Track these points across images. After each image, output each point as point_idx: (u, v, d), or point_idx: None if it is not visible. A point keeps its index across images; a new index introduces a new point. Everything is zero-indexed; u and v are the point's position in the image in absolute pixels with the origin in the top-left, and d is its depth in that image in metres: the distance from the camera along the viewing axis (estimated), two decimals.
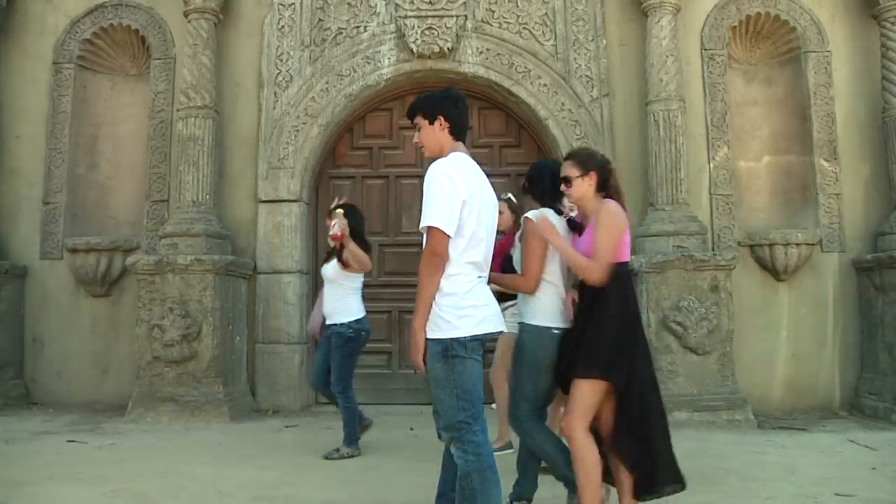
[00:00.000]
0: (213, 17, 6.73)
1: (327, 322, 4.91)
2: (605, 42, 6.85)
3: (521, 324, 3.28)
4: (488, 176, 2.98)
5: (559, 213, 3.32)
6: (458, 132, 2.87)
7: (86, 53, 7.17)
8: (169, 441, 5.27)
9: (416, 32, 6.74)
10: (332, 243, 4.90)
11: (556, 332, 3.16)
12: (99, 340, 6.88)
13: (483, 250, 2.77)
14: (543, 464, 3.55)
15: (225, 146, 6.90)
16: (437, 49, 6.72)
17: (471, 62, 6.83)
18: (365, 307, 4.97)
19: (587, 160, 3.18)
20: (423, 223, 2.65)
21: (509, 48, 6.83)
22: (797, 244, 6.53)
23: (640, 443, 2.95)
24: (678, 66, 6.52)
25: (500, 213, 3.58)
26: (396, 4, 6.85)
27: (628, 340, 2.98)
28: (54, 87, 7.08)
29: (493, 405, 6.67)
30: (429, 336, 2.67)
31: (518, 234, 3.53)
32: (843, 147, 6.76)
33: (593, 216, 3.10)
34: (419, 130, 2.89)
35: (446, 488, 2.96)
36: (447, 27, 6.76)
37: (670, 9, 6.53)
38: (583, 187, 3.13)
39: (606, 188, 3.15)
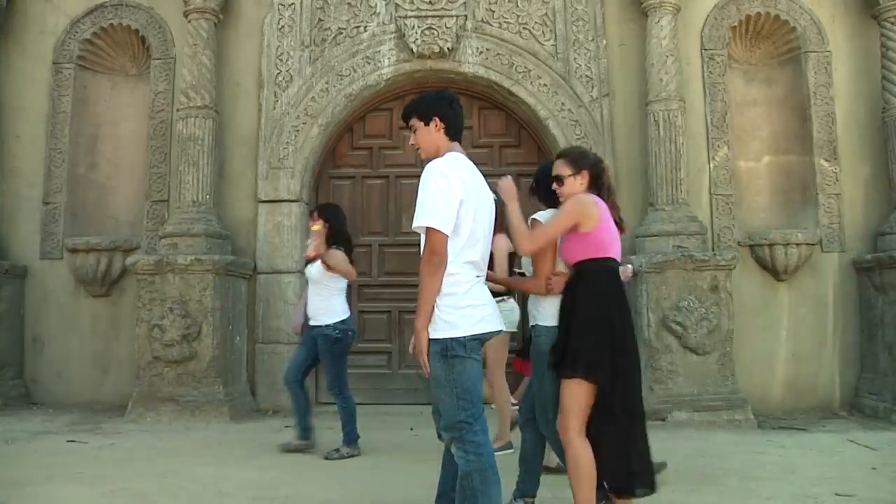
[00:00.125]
0: (213, 17, 6.73)
1: (311, 323, 4.89)
2: (605, 42, 6.85)
3: (535, 326, 3.27)
4: (489, 176, 2.99)
5: None
6: (454, 132, 2.87)
7: (86, 53, 7.17)
8: (169, 441, 5.27)
9: (416, 32, 6.74)
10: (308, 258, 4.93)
11: None
12: (99, 340, 6.88)
13: (480, 250, 2.77)
14: (546, 463, 3.56)
15: (225, 146, 6.90)
16: (437, 49, 6.72)
17: (471, 62, 6.83)
18: (350, 307, 4.96)
19: (579, 159, 3.19)
20: (420, 223, 2.65)
21: (509, 48, 6.83)
22: (797, 244, 6.53)
23: (618, 443, 2.94)
24: (678, 66, 6.52)
25: None
26: (396, 4, 6.85)
27: (604, 340, 2.94)
28: (54, 87, 7.08)
29: (493, 405, 6.69)
30: (429, 336, 2.67)
31: None
32: (843, 147, 6.76)
33: None
34: (415, 132, 2.89)
35: (446, 488, 2.96)
36: (447, 27, 6.76)
37: (670, 9, 6.53)
38: (574, 185, 3.14)
39: (598, 186, 3.15)
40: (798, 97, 6.89)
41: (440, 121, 2.83)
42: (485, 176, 2.94)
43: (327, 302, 4.82)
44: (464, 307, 2.67)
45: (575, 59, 6.82)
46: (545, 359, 3.13)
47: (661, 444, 5.05)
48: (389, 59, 6.87)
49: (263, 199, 6.81)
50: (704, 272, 6.05)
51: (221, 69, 6.89)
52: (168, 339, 6.08)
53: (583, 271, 3.04)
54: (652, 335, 5.94)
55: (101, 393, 6.78)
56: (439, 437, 2.81)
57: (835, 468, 4.46)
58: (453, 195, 2.65)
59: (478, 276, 2.78)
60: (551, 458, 3.88)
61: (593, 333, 2.94)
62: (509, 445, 4.83)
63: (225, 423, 5.89)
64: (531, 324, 3.32)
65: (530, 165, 7.14)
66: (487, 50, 6.84)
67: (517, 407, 6.59)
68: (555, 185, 3.19)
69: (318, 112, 6.86)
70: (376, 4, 6.93)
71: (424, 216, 2.64)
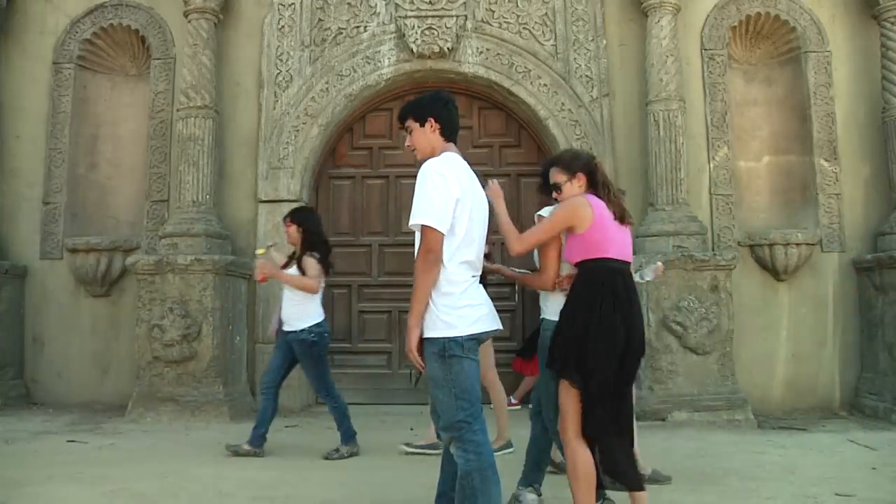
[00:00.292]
0: (213, 17, 6.73)
1: (285, 328, 4.85)
2: (605, 42, 6.85)
3: (543, 320, 3.33)
4: (489, 176, 3.00)
5: None
6: (450, 133, 2.89)
7: (86, 53, 7.17)
8: (169, 441, 5.27)
9: (416, 32, 6.74)
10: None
11: None
12: (99, 340, 6.88)
13: (476, 249, 2.79)
14: (552, 456, 3.58)
15: (225, 146, 6.90)
16: (437, 49, 6.72)
17: (471, 62, 6.83)
18: (323, 311, 4.92)
19: (571, 163, 3.20)
20: (416, 221, 2.67)
21: (509, 48, 6.83)
22: (797, 244, 6.53)
23: (600, 444, 2.95)
24: (678, 66, 6.52)
25: None
26: (396, 4, 6.85)
27: (571, 339, 2.95)
28: (54, 87, 7.08)
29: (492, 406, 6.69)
30: (426, 335, 2.69)
31: None
32: (843, 147, 6.76)
33: None
34: (410, 133, 2.91)
35: (446, 488, 2.96)
36: (447, 27, 6.76)
37: (670, 9, 6.53)
38: (573, 190, 3.15)
39: (594, 184, 3.16)
40: (798, 97, 6.89)
41: (436, 122, 2.85)
42: (485, 176, 2.95)
43: (301, 306, 4.78)
44: (461, 307, 2.69)
45: (575, 59, 6.82)
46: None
47: (660, 443, 5.07)
48: (389, 59, 6.87)
49: (263, 199, 6.81)
50: (704, 272, 6.05)
51: (221, 69, 6.89)
52: (168, 339, 6.08)
53: (579, 271, 3.07)
54: (652, 335, 5.94)
55: (101, 393, 6.78)
56: (438, 437, 2.82)
57: (835, 468, 4.46)
58: (449, 194, 2.67)
59: (473, 276, 2.79)
60: (558, 453, 3.90)
61: (566, 332, 2.98)
62: (509, 444, 4.83)
63: (225, 423, 5.88)
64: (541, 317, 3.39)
65: (530, 165, 7.16)
66: (487, 50, 6.84)
67: (518, 407, 6.65)
68: (555, 194, 3.22)
69: (318, 112, 6.86)
70: (376, 4, 6.93)
71: (421, 214, 2.66)
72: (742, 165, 6.94)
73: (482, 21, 6.87)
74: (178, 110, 6.75)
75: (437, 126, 2.85)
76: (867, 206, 6.72)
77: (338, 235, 7.22)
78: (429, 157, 2.83)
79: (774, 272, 6.63)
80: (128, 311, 6.75)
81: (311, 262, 4.77)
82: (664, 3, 6.50)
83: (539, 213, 3.39)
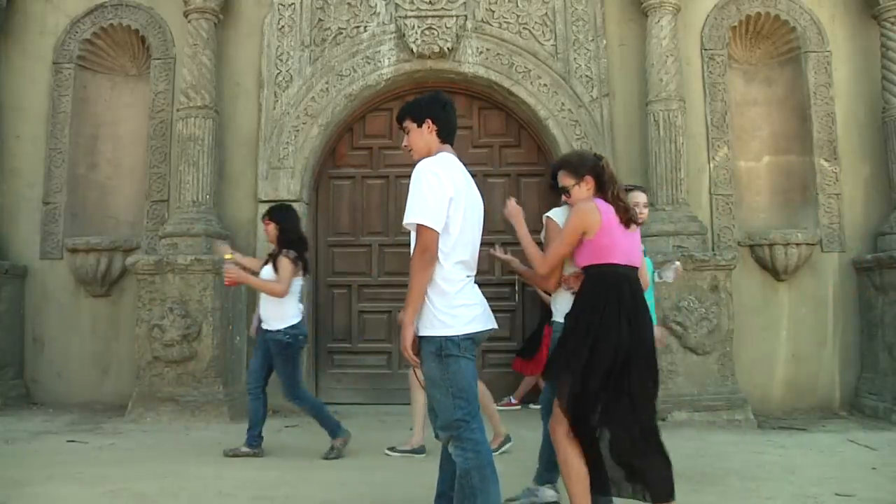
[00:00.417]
0: (213, 17, 6.73)
1: (263, 327, 4.85)
2: (605, 42, 6.85)
3: (553, 322, 3.34)
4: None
5: None
6: (446, 135, 2.92)
7: (86, 53, 7.17)
8: (169, 441, 5.27)
9: (416, 32, 6.74)
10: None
11: None
12: (99, 340, 6.88)
13: (471, 250, 2.82)
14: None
15: (225, 146, 6.90)
16: (437, 49, 6.72)
17: (471, 62, 6.83)
18: (301, 313, 4.90)
19: (579, 166, 3.19)
20: (411, 219, 2.69)
21: (509, 48, 6.83)
22: (797, 244, 6.53)
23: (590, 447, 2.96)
24: (678, 66, 6.52)
25: None
26: (396, 4, 6.85)
27: (570, 345, 2.98)
28: (54, 87, 7.08)
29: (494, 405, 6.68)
30: (422, 334, 2.71)
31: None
32: (843, 147, 6.75)
33: None
34: (408, 133, 2.94)
35: (445, 487, 2.97)
36: (447, 27, 6.75)
37: (670, 9, 6.53)
38: (581, 193, 3.15)
39: (602, 185, 3.15)
40: (798, 97, 6.89)
41: (433, 123, 2.89)
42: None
43: (278, 307, 4.76)
44: (457, 306, 2.71)
45: (575, 59, 6.82)
46: None
47: None
48: (389, 59, 6.87)
49: (263, 199, 6.80)
50: (704, 272, 6.05)
51: (221, 69, 6.89)
52: (168, 339, 6.08)
53: (585, 276, 3.07)
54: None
55: (101, 393, 6.78)
56: (436, 436, 2.82)
57: (835, 468, 4.46)
58: (443, 193, 2.69)
59: (469, 276, 2.81)
60: None
61: (568, 338, 3.01)
62: (508, 439, 4.82)
63: (225, 423, 5.89)
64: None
65: (530, 165, 7.16)
66: (487, 50, 6.84)
67: (517, 407, 6.64)
68: (563, 197, 3.23)
69: (318, 112, 6.86)
70: (376, 4, 6.93)
71: (416, 213, 2.68)
72: (742, 165, 6.94)
73: (482, 21, 6.87)
74: (178, 110, 6.75)
75: (435, 127, 2.89)
76: (867, 206, 6.72)
77: (338, 235, 7.24)
78: (424, 157, 2.85)
79: (774, 272, 6.63)
80: (128, 311, 6.75)
81: (284, 263, 4.72)
82: (664, 3, 6.50)
83: (547, 214, 3.39)
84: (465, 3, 6.84)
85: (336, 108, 6.88)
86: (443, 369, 2.68)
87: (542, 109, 6.77)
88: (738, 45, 7.03)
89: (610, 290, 2.98)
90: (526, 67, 6.81)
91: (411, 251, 2.73)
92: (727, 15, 6.87)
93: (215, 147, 6.68)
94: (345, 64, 6.89)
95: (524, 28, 6.88)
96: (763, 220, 6.86)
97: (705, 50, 6.86)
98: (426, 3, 6.81)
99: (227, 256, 4.84)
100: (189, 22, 6.69)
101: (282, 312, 4.77)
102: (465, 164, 2.95)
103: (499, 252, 3.58)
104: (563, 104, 6.76)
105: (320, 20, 6.97)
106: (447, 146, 2.91)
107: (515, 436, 4.87)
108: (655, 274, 4.25)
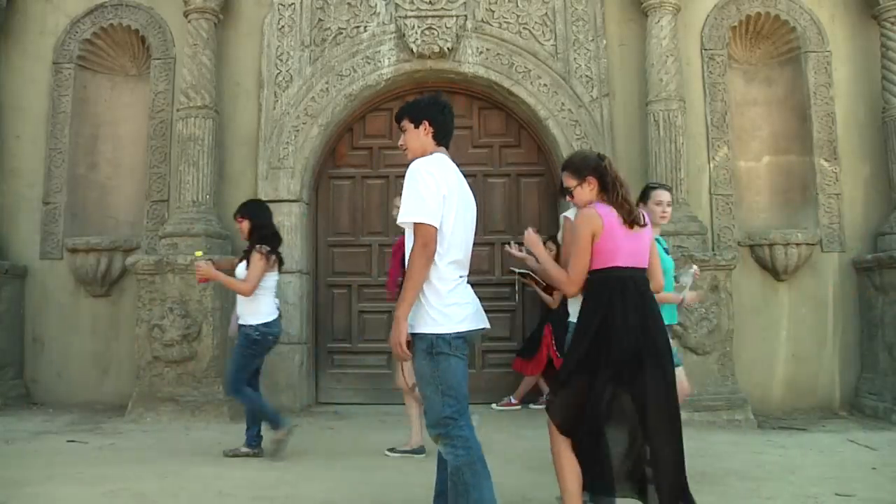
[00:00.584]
0: (213, 17, 6.73)
1: (238, 322, 4.85)
2: (605, 42, 6.85)
3: (569, 322, 3.34)
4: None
5: None
6: (442, 137, 2.95)
7: (86, 53, 7.17)
8: (169, 441, 5.27)
9: (416, 32, 6.74)
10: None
11: None
12: (99, 340, 6.88)
13: (464, 249, 2.85)
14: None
15: (225, 146, 6.90)
16: (437, 49, 6.72)
17: (471, 62, 6.83)
18: (277, 309, 4.87)
19: (582, 167, 3.16)
20: (408, 218, 2.72)
21: (509, 48, 6.83)
22: (797, 244, 6.53)
23: (588, 449, 2.96)
24: (678, 66, 6.52)
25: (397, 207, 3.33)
26: (396, 4, 6.85)
27: (575, 352, 3.01)
28: (54, 87, 7.08)
29: (494, 405, 6.70)
30: (414, 331, 2.73)
31: None
32: (843, 147, 6.75)
33: None
34: (405, 133, 2.97)
35: (444, 487, 2.97)
36: (447, 27, 6.75)
37: (670, 9, 6.53)
38: (584, 194, 3.12)
39: (605, 186, 3.14)
40: (798, 97, 6.89)
41: (430, 125, 2.92)
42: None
43: (253, 303, 4.75)
44: (449, 305, 2.74)
45: (575, 59, 6.82)
46: None
47: None
48: (389, 59, 6.87)
49: (263, 199, 6.75)
50: (704, 272, 6.04)
51: (221, 69, 6.89)
52: (168, 339, 6.08)
53: (589, 281, 3.05)
54: None
55: (101, 393, 6.78)
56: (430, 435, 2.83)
57: (835, 468, 4.46)
58: (438, 191, 2.73)
59: (461, 276, 2.84)
60: None
61: (575, 345, 3.03)
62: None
63: (225, 424, 5.88)
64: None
65: (530, 165, 7.17)
66: (487, 50, 6.84)
67: (518, 407, 6.65)
68: (567, 198, 3.22)
69: (318, 112, 6.86)
70: (376, 4, 6.93)
71: (413, 212, 2.72)
72: (742, 165, 6.94)
73: (482, 21, 6.87)
74: (178, 110, 6.75)
75: (431, 129, 2.92)
76: (867, 206, 6.72)
77: (338, 235, 7.25)
78: (418, 158, 2.88)
79: (774, 272, 6.63)
80: (128, 311, 6.75)
81: (254, 260, 4.69)
82: (664, 3, 6.50)
83: (565, 214, 3.44)
84: (465, 3, 6.84)
85: (336, 108, 6.88)
86: (433, 367, 2.71)
87: (542, 109, 6.77)
88: (738, 45, 7.03)
89: (613, 293, 2.97)
90: (526, 67, 6.80)
91: (407, 251, 2.74)
92: (727, 15, 6.87)
93: (215, 147, 6.68)
94: (345, 64, 6.89)
95: (524, 28, 6.88)
96: (763, 220, 6.86)
97: (705, 50, 6.86)
98: (426, 3, 6.81)
99: (198, 254, 4.84)
100: (189, 22, 6.69)
101: (255, 308, 4.75)
102: (464, 164, 2.97)
103: (514, 250, 3.58)
104: (563, 104, 6.76)
105: (320, 20, 6.97)
106: (442, 149, 2.95)
107: (516, 435, 4.87)
108: (674, 278, 4.21)
